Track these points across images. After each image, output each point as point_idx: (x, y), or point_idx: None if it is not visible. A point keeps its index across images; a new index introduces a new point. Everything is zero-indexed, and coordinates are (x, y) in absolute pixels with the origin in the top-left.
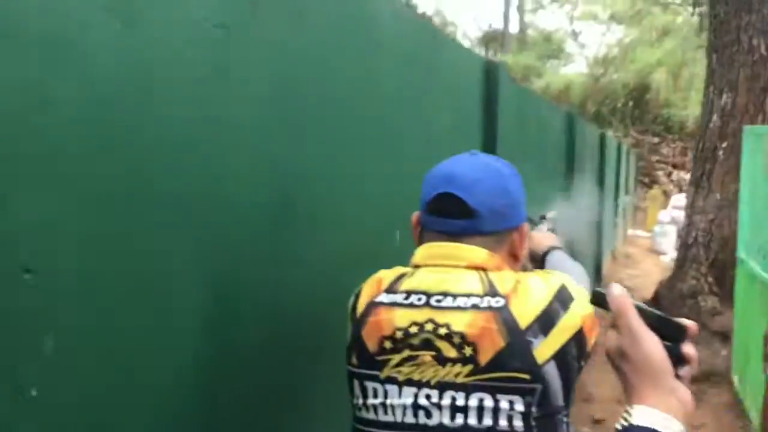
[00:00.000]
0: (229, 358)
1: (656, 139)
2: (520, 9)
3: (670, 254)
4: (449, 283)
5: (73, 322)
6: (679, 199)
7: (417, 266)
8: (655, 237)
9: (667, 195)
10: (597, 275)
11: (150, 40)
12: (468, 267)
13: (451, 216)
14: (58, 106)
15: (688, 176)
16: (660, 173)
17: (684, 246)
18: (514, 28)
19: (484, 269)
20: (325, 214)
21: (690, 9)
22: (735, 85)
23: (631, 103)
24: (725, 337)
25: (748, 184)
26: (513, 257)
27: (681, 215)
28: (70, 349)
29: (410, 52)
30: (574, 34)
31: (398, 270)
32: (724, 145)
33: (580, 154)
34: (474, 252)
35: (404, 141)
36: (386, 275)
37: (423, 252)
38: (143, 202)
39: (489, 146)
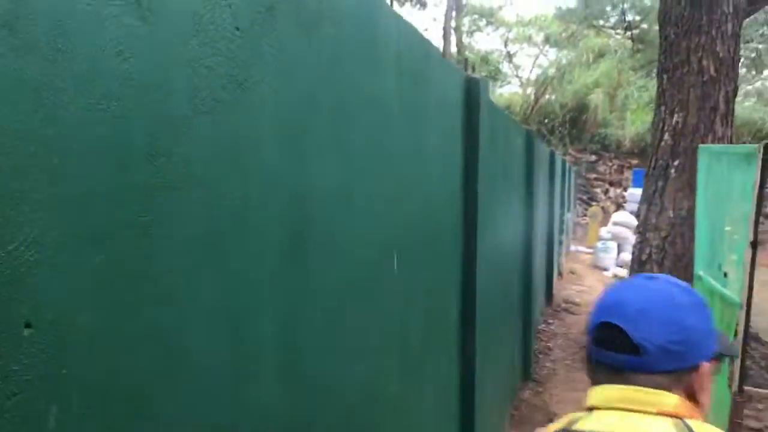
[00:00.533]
0: (243, 401)
1: (594, 158)
2: (459, 31)
3: (612, 269)
4: (641, 428)
5: (80, 387)
6: (620, 216)
7: (593, 408)
8: (597, 253)
9: (605, 212)
10: (548, 291)
11: (168, 39)
12: (659, 413)
13: (614, 349)
14: (64, 117)
15: (625, 193)
16: (598, 190)
17: (638, 263)
18: (452, 49)
19: (677, 416)
20: (332, 236)
21: (621, 32)
22: (686, 105)
23: (569, 123)
24: None
25: (703, 201)
26: (694, 401)
27: (622, 231)
28: (75, 420)
29: (408, 67)
30: (509, 56)
31: (569, 416)
32: (676, 163)
33: (537, 172)
34: (664, 398)
35: (401, 159)
36: (553, 424)
37: (600, 395)
38: (157, 235)
39: (470, 165)
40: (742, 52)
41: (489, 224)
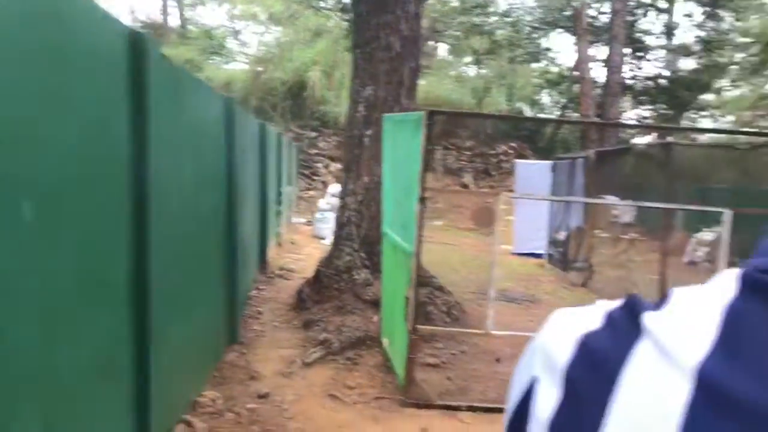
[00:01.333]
0: None
1: (314, 134)
2: (180, 3)
3: (329, 239)
4: None
5: None
6: (336, 188)
7: None
8: (315, 223)
9: (325, 185)
10: (262, 260)
11: None
12: None
13: None
14: None
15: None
16: (319, 165)
17: (339, 226)
18: (174, 21)
19: None
20: None
21: (339, 14)
22: (377, 79)
23: (289, 100)
24: (376, 305)
25: (389, 165)
26: None
27: (338, 202)
28: None
29: (36, 6)
30: (235, 33)
31: None
32: (369, 132)
33: (241, 143)
34: None
35: (29, 98)
36: None
37: None
38: None
39: (138, 122)
40: (445, 40)
41: (168, 186)
